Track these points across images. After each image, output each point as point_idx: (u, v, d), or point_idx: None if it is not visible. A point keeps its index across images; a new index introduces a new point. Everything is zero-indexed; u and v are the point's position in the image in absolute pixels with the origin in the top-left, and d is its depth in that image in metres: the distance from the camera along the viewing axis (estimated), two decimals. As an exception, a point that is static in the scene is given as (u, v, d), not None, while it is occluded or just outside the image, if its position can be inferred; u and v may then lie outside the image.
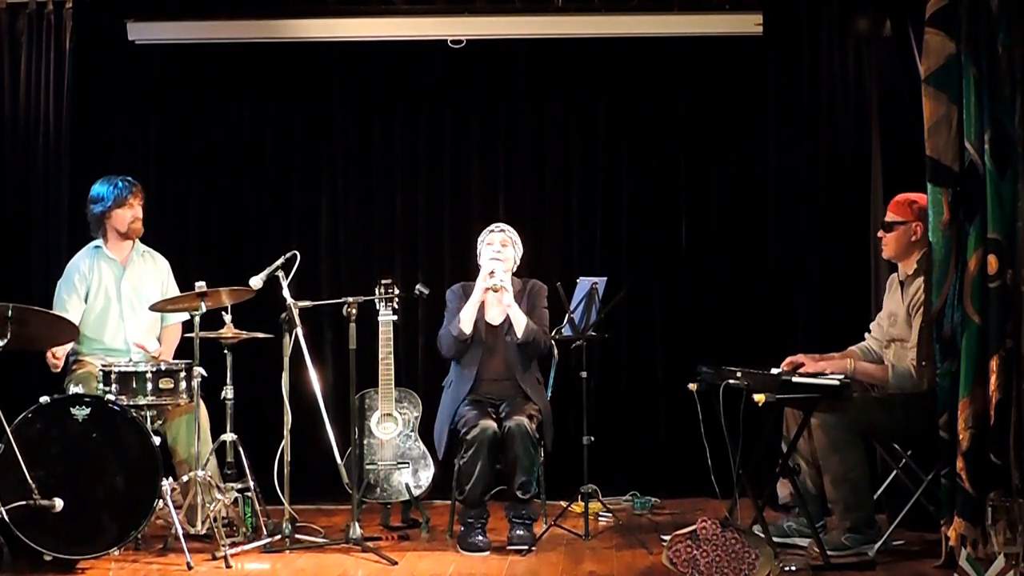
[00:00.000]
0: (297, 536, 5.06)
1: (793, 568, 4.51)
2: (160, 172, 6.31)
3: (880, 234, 5.03)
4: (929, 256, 4.55)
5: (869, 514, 4.78)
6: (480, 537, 4.96)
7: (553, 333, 5.36)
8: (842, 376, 4.65)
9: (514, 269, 5.37)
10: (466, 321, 5.22)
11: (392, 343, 5.34)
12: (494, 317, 5.35)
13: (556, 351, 5.54)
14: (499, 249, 5.30)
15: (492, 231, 5.35)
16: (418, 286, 5.35)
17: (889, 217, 4.99)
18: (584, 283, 5.30)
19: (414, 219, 6.44)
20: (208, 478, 4.96)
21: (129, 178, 5.43)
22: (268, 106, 6.44)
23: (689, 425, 4.96)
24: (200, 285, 4.97)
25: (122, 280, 5.43)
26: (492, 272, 5.21)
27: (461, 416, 5.13)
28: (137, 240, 5.50)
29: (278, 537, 5.02)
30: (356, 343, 5.12)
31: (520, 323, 5.23)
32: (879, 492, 5.06)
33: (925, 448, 4.77)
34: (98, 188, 5.40)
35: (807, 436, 4.86)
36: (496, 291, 5.19)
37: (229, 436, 5.09)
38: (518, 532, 5.00)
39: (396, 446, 5.38)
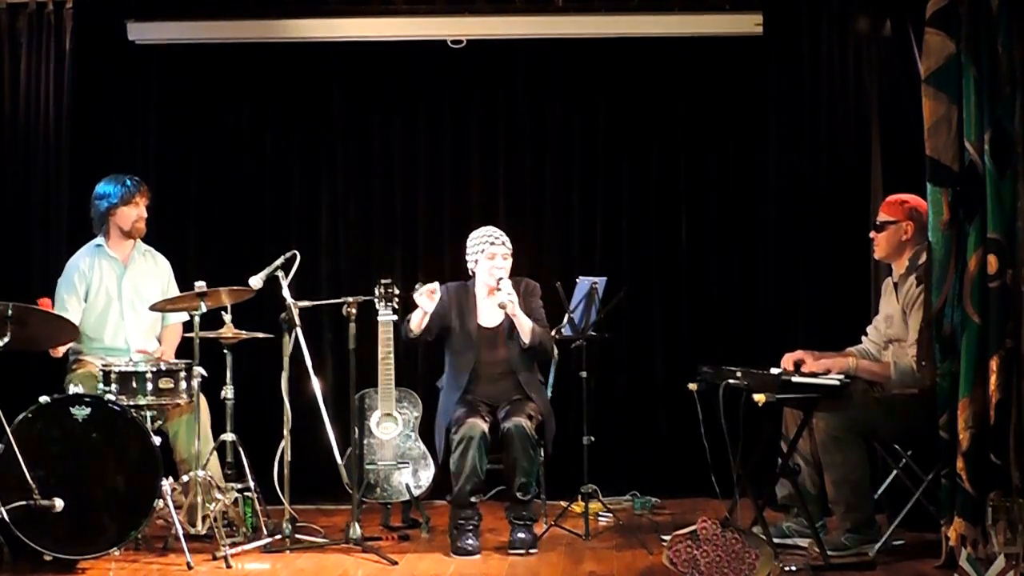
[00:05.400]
0: (297, 536, 5.06)
1: (793, 568, 4.51)
2: (160, 172, 6.29)
3: (872, 235, 5.04)
4: (929, 256, 4.55)
5: (869, 514, 4.78)
6: (469, 540, 4.94)
7: (553, 333, 5.36)
8: (842, 376, 4.65)
9: None
10: (414, 325, 5.19)
11: (392, 343, 5.33)
12: (488, 320, 5.33)
13: (556, 351, 5.53)
14: (501, 264, 5.24)
15: (493, 243, 5.25)
16: (418, 286, 5.34)
17: (880, 217, 5.01)
18: (584, 283, 5.30)
19: (414, 219, 6.43)
20: (208, 478, 4.96)
21: (136, 177, 5.44)
22: (268, 106, 6.44)
23: (689, 425, 4.95)
24: (200, 285, 4.97)
25: (123, 279, 5.43)
26: (500, 281, 5.17)
27: (454, 415, 5.13)
28: (138, 239, 5.50)
29: (278, 537, 5.02)
30: (356, 343, 5.12)
31: (526, 329, 5.18)
32: (879, 492, 5.06)
33: (925, 448, 4.77)
34: (104, 186, 5.39)
35: (807, 436, 4.86)
36: (503, 307, 5.15)
37: (229, 436, 5.10)
38: (519, 535, 4.99)
39: (396, 446, 5.38)
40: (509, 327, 5.26)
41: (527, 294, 5.31)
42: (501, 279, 5.19)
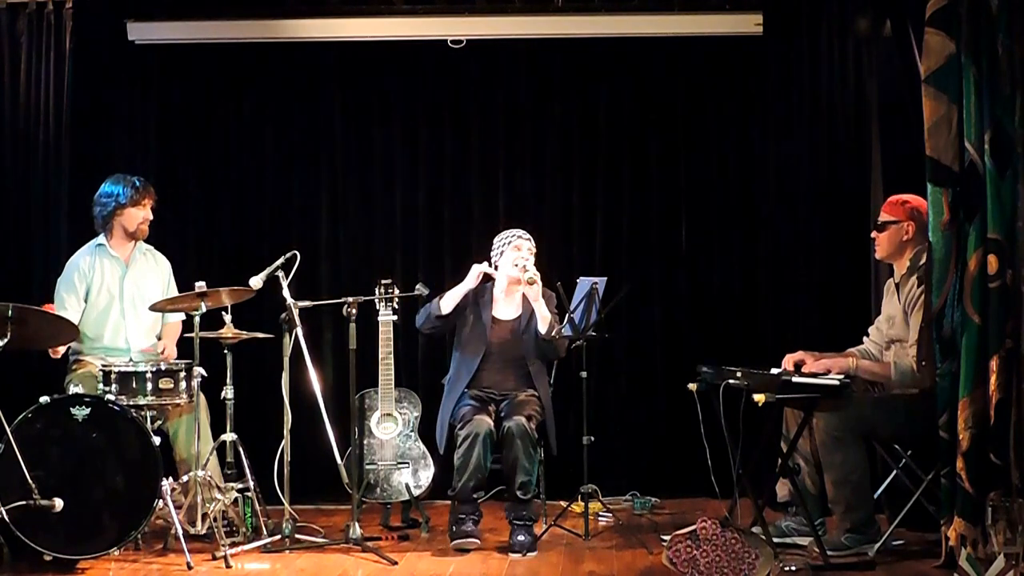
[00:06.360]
0: (297, 536, 5.06)
1: (793, 568, 4.51)
2: (160, 172, 6.28)
3: (873, 234, 5.04)
4: (929, 256, 4.55)
5: (869, 514, 4.78)
6: (468, 527, 4.97)
7: (554, 333, 5.37)
8: (842, 376, 4.65)
9: None
10: (448, 302, 5.26)
11: (392, 343, 5.34)
12: (505, 314, 5.37)
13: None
14: (527, 255, 5.35)
15: (520, 237, 5.38)
16: (418, 286, 5.36)
17: (882, 217, 5.01)
18: (584, 283, 5.30)
19: (414, 219, 6.43)
20: (208, 478, 4.96)
21: (142, 178, 5.43)
22: (268, 106, 6.44)
23: (689, 425, 4.96)
24: (200, 285, 4.98)
25: (125, 278, 5.42)
26: (525, 268, 5.26)
27: (459, 412, 5.15)
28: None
29: (278, 537, 5.02)
30: (356, 343, 5.12)
31: (545, 318, 5.27)
32: (879, 492, 5.05)
33: (925, 448, 4.77)
34: (112, 186, 5.38)
35: (807, 436, 4.86)
36: (531, 284, 5.22)
37: (229, 436, 5.10)
38: (519, 537, 4.98)
39: (396, 446, 5.38)
40: (525, 321, 5.33)
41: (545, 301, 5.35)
42: (526, 267, 5.25)
